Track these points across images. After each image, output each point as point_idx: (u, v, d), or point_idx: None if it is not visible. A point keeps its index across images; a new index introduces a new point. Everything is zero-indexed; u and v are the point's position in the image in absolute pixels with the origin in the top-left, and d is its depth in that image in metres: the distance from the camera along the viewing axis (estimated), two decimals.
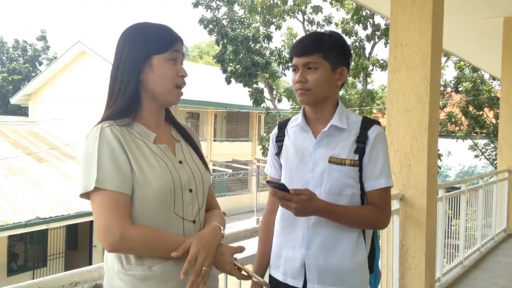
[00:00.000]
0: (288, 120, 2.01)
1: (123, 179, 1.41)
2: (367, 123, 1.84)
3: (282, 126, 2.00)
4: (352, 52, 17.65)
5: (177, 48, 1.55)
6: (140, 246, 1.40)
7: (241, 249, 1.61)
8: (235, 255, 1.57)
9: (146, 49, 1.50)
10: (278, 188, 1.66)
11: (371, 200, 1.82)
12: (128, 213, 1.41)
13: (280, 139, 1.97)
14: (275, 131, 2.02)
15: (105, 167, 1.40)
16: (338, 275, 1.79)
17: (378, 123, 1.85)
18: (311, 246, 1.80)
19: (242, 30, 19.08)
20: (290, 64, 1.88)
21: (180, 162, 1.56)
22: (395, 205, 3.74)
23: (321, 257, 1.79)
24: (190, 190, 1.54)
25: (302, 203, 1.65)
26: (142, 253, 1.43)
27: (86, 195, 1.43)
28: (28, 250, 13.83)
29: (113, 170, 1.40)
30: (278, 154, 1.97)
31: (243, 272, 1.57)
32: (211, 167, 22.48)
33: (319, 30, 19.05)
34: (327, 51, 1.79)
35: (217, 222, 1.60)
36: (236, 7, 19.69)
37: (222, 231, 1.58)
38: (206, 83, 23.94)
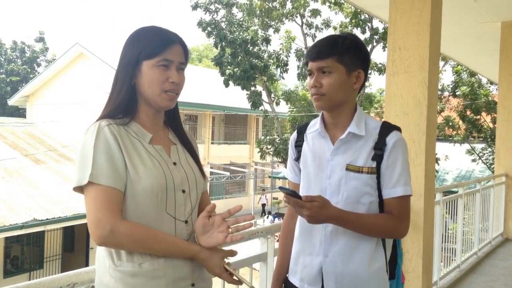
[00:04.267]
0: (307, 124, 1.98)
1: (116, 175, 1.44)
2: (386, 129, 1.79)
3: (301, 131, 1.97)
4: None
5: (169, 53, 1.53)
6: (128, 241, 1.42)
7: (232, 253, 1.59)
8: (228, 259, 1.56)
9: (137, 54, 1.53)
10: (290, 195, 1.63)
11: (388, 208, 1.77)
12: (119, 208, 1.43)
13: (299, 144, 1.94)
14: (294, 135, 1.99)
15: (100, 163, 1.42)
16: (355, 282, 1.76)
17: (398, 129, 1.80)
18: (328, 254, 1.78)
19: (241, 33, 19.12)
20: (306, 68, 1.85)
21: (175, 163, 1.58)
22: None
23: (338, 265, 1.76)
24: (183, 191, 1.56)
25: (314, 210, 1.62)
26: (131, 249, 1.44)
27: (79, 189, 1.46)
28: (25, 251, 13.80)
29: (108, 166, 1.43)
30: (297, 159, 1.94)
31: (234, 277, 1.54)
32: (208, 169, 22.49)
33: (319, 33, 19.08)
34: (341, 54, 1.75)
35: None
36: (234, 10, 19.74)
37: None
38: (204, 86, 23.96)
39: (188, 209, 1.57)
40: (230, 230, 1.51)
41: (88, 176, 1.41)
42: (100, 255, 1.51)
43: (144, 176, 1.47)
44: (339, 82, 1.75)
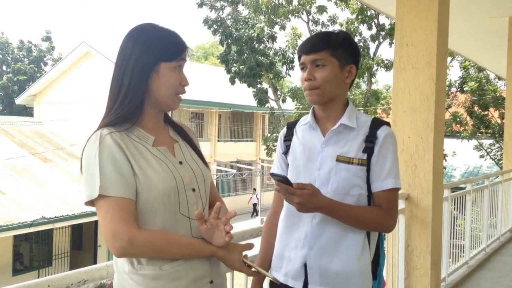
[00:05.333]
0: (297, 120, 1.99)
1: (126, 184, 1.41)
2: (377, 123, 1.81)
3: (291, 126, 1.98)
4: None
5: (183, 56, 1.55)
6: (148, 250, 1.42)
7: (250, 246, 1.61)
8: (245, 252, 1.58)
9: (156, 55, 1.50)
10: (281, 182, 1.63)
11: (378, 201, 1.77)
12: (133, 218, 1.41)
13: (288, 138, 1.95)
14: (283, 130, 2.01)
15: (107, 174, 1.40)
16: (341, 277, 1.75)
17: (388, 124, 1.83)
18: (314, 246, 1.77)
19: (247, 30, 19.10)
20: (298, 63, 1.86)
21: (181, 162, 1.56)
22: (400, 204, 3.73)
23: (324, 258, 1.75)
24: (193, 190, 1.55)
25: (305, 197, 1.62)
26: (151, 256, 1.44)
27: (91, 203, 1.43)
28: (33, 249, 13.89)
29: (116, 177, 1.40)
30: (285, 153, 1.95)
31: (253, 269, 1.57)
32: (215, 167, 22.53)
33: (324, 30, 19.09)
34: (335, 48, 1.77)
35: None
36: (240, 7, 19.72)
37: None
38: (210, 84, 23.98)
39: (200, 207, 1.56)
40: (226, 228, 1.50)
41: (98, 189, 1.38)
42: (118, 259, 1.49)
43: (155, 180, 1.45)
44: (333, 75, 1.78)
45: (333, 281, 1.75)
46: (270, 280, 1.93)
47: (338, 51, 1.78)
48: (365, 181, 1.77)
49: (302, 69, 1.83)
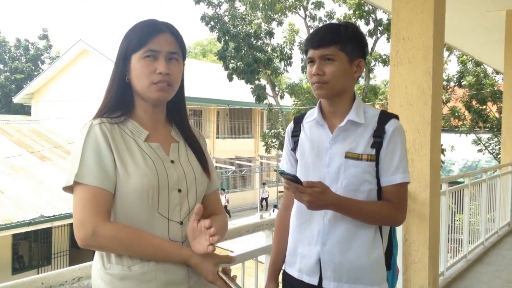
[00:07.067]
0: (304, 114, 1.97)
1: (104, 175, 1.39)
2: (385, 117, 1.79)
3: (298, 121, 1.95)
4: None
5: (154, 43, 1.48)
6: (112, 244, 1.37)
7: (229, 259, 1.51)
8: (225, 265, 1.49)
9: (125, 49, 1.50)
10: (291, 180, 1.62)
11: (387, 196, 1.77)
12: (105, 209, 1.38)
13: (296, 134, 1.93)
14: (290, 126, 1.98)
15: (87, 163, 1.39)
16: (354, 272, 1.75)
17: (396, 117, 1.81)
18: (326, 243, 1.77)
19: (244, 27, 19.08)
20: (305, 56, 1.83)
21: (172, 161, 1.52)
22: None
23: (336, 254, 1.76)
24: (180, 191, 1.49)
25: (315, 195, 1.61)
26: (115, 251, 1.40)
27: (70, 190, 1.43)
28: (33, 248, 13.89)
29: (95, 166, 1.39)
30: (294, 149, 1.93)
31: (227, 281, 1.44)
32: (214, 164, 22.47)
33: (329, 22, 19.10)
34: (344, 43, 1.74)
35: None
36: (237, 4, 19.69)
37: None
38: (208, 80, 23.96)
39: (184, 209, 1.50)
40: (211, 239, 1.39)
41: (74, 176, 1.38)
42: (95, 256, 1.47)
43: (134, 175, 1.41)
44: (342, 70, 1.75)
45: (347, 276, 1.76)
46: (282, 276, 1.94)
47: (347, 46, 1.75)
48: (375, 176, 1.77)
49: (309, 62, 1.80)
